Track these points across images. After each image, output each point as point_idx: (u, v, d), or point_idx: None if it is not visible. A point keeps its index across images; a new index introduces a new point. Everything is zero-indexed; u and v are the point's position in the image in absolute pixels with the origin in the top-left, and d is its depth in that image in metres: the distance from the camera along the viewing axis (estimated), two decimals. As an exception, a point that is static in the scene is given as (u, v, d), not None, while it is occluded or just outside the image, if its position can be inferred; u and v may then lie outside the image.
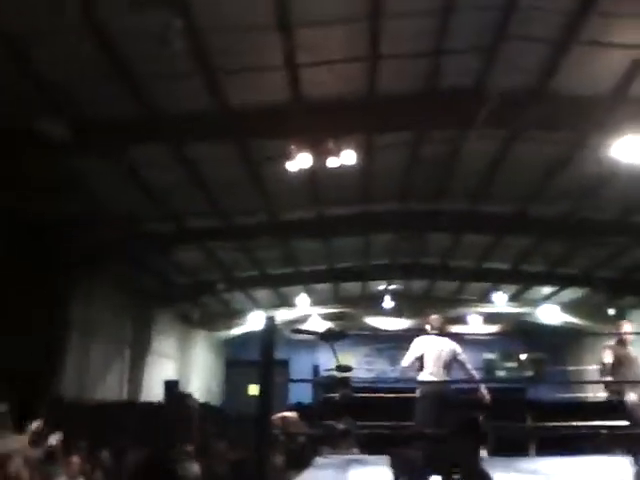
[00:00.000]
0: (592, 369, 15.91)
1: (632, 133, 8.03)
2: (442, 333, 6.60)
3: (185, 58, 7.01)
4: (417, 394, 6.26)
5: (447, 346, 6.41)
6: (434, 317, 6.78)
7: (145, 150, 9.18)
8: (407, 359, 6.46)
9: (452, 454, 3.56)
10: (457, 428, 3.47)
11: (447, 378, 6.31)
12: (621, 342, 7.14)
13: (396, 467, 3.58)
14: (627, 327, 7.37)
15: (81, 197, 10.09)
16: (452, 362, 6.38)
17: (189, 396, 13.67)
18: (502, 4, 6.74)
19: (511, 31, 7.10)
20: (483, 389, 6.41)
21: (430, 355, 6.34)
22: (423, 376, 6.34)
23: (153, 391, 15.52)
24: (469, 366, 6.60)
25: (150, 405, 13.91)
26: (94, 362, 13.25)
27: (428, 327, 6.74)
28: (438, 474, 3.74)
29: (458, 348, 6.46)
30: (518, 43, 7.31)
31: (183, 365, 18.49)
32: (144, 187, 10.40)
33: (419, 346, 6.43)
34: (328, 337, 6.49)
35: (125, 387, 14.70)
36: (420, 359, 6.39)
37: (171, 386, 15.43)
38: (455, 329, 20.03)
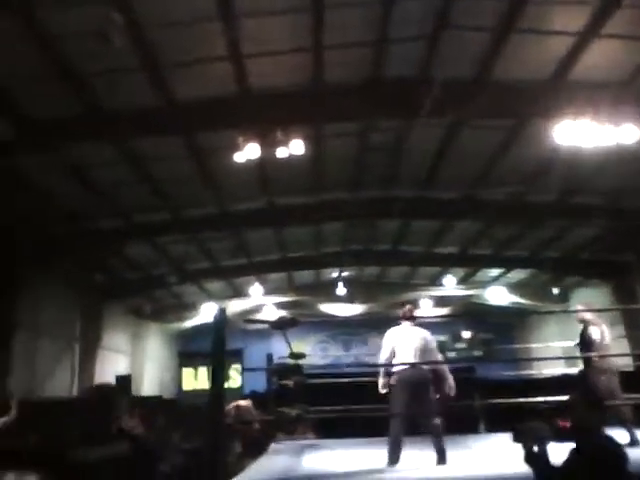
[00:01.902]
0: (537, 347, 16.57)
1: (571, 117, 8.29)
2: (414, 322, 6.65)
3: (128, 54, 6.91)
4: (392, 381, 6.33)
5: (421, 336, 6.47)
6: (407, 307, 6.89)
7: (91, 147, 9.03)
8: (384, 354, 6.38)
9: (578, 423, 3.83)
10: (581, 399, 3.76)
11: (422, 366, 6.39)
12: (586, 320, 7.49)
13: (523, 439, 3.77)
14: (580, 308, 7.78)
15: (27, 195, 9.86)
16: (426, 351, 6.46)
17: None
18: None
19: (452, 20, 7.24)
20: (451, 381, 6.57)
21: (405, 346, 6.40)
22: (398, 365, 6.39)
23: (106, 386, 15.33)
24: (439, 355, 6.78)
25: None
26: (43, 360, 13.00)
27: (401, 316, 6.79)
28: (562, 442, 3.95)
29: (430, 338, 6.55)
30: (460, 32, 7.45)
31: (135, 359, 18.31)
32: (91, 184, 10.25)
33: (393, 339, 6.47)
34: (280, 325, 6.53)
35: (76, 384, 14.47)
36: (394, 351, 6.43)
37: (123, 380, 15.28)
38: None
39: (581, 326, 7.58)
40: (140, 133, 8.76)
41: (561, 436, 4.17)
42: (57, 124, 8.14)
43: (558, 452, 3.62)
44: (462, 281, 19.45)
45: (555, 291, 18.66)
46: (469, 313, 21.74)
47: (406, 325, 6.54)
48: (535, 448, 3.65)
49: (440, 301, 20.45)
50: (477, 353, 21.11)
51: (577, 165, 10.04)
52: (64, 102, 7.81)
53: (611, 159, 9.52)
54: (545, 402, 7.95)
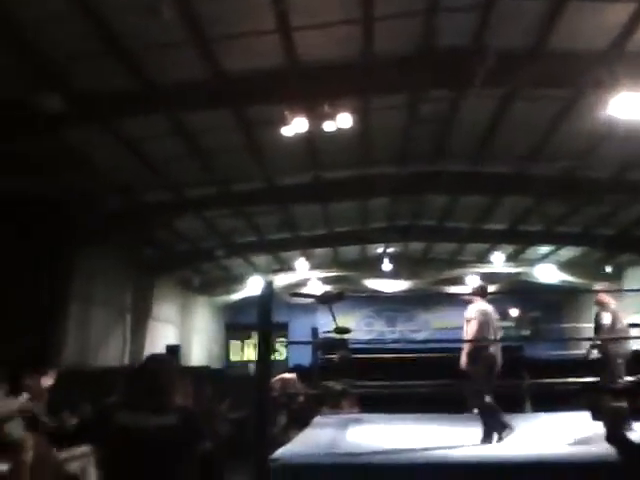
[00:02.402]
0: (588, 327, 16.20)
1: (629, 89, 7.96)
2: (486, 299, 6.66)
3: (177, 27, 6.94)
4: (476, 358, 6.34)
5: (494, 314, 6.53)
6: (482, 283, 6.95)
7: (141, 121, 9.14)
8: (474, 330, 6.32)
9: None
10: None
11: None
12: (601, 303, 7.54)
13: (604, 418, 3.80)
14: (601, 294, 7.82)
15: (79, 169, 10.08)
16: (497, 329, 6.53)
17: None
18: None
19: (507, -12, 7.00)
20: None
21: (487, 323, 6.42)
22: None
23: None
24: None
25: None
26: (95, 330, 13.42)
27: (475, 293, 6.79)
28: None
29: (497, 316, 6.61)
30: (515, 1, 7.20)
31: (184, 330, 18.73)
32: (142, 158, 10.39)
33: (479, 315, 6.40)
34: (326, 299, 6.59)
35: (127, 353, 14.90)
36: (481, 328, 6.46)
37: (172, 350, 15.67)
38: (453, 289, 20.28)
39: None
40: (189, 106, 8.79)
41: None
42: (108, 97, 8.24)
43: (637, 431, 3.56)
44: (511, 258, 19.13)
45: (608, 269, 18.17)
46: (518, 291, 21.39)
47: (481, 302, 6.51)
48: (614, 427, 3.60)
49: (487, 278, 20.12)
50: (525, 332, 20.80)
51: (633, 139, 9.67)
52: (115, 75, 7.88)
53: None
54: (595, 382, 7.87)
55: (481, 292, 6.70)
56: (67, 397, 8.08)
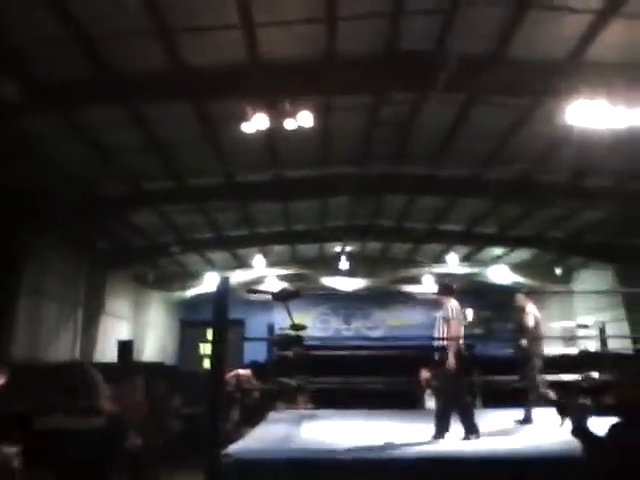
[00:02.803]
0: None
1: (585, 97, 8.19)
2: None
3: (140, 17, 6.83)
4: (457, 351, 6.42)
5: None
6: (448, 282, 7.14)
7: (99, 111, 8.96)
8: (459, 328, 6.47)
9: None
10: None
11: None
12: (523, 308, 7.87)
13: (570, 413, 3.89)
14: (521, 297, 8.20)
15: (34, 159, 9.82)
16: None
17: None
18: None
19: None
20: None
21: (461, 321, 6.57)
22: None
23: (107, 351, 15.49)
24: None
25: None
26: (46, 324, 13.11)
27: (441, 292, 6.90)
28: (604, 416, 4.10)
29: None
30: (477, 7, 7.31)
31: (137, 325, 18.46)
32: (99, 148, 10.19)
33: (458, 314, 6.55)
34: (281, 297, 6.60)
35: (78, 348, 14.61)
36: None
37: (125, 346, 15.45)
38: (409, 289, 20.53)
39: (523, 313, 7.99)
40: (149, 98, 8.66)
41: (604, 411, 4.28)
42: (66, 87, 8.06)
43: (599, 426, 3.64)
44: (465, 259, 19.45)
45: (558, 272, 18.67)
46: (476, 291, 21.73)
47: (453, 301, 6.63)
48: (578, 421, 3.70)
49: (443, 278, 20.44)
50: (478, 331, 21.16)
51: (588, 146, 9.94)
52: (74, 64, 7.72)
53: (622, 141, 9.43)
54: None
55: (450, 291, 6.79)
56: (15, 392, 7.90)
